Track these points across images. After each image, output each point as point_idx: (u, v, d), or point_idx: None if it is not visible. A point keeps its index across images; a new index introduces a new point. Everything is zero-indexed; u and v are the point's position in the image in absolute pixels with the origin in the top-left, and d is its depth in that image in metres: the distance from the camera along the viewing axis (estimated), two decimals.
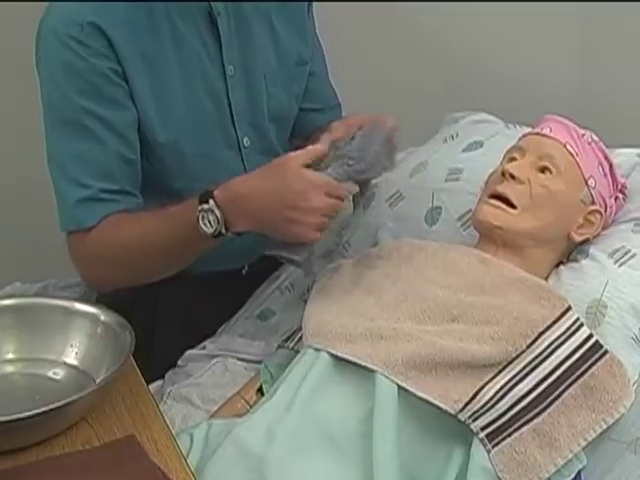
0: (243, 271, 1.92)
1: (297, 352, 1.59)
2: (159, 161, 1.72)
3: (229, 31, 1.73)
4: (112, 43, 1.61)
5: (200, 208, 1.54)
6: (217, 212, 1.53)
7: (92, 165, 1.65)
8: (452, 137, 1.99)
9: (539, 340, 1.46)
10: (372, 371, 1.47)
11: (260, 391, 1.64)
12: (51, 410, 1.29)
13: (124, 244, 1.64)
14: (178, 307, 1.84)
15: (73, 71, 1.61)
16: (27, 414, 1.28)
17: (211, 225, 1.54)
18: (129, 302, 1.70)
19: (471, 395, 1.43)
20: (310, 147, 1.57)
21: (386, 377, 1.45)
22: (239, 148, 1.80)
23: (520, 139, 1.71)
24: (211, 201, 1.53)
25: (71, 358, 1.50)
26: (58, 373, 1.49)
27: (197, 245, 1.61)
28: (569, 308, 1.50)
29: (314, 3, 1.92)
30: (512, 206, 1.60)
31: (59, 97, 1.63)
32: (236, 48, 1.75)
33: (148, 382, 1.55)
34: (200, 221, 1.54)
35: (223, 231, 1.54)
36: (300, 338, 1.61)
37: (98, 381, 1.42)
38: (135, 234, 1.63)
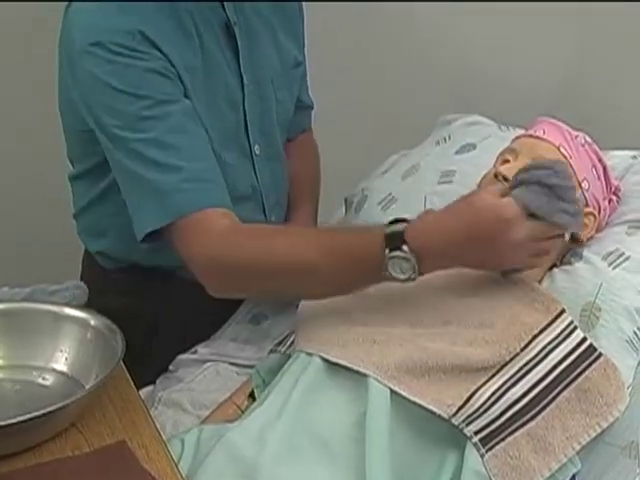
0: None
1: (289, 356, 1.59)
2: None
3: (241, 40, 1.75)
4: (162, 52, 1.59)
5: (391, 256, 1.43)
6: (413, 260, 1.43)
7: (177, 146, 1.56)
8: (445, 139, 1.99)
9: (533, 343, 1.47)
10: (364, 375, 1.47)
11: (252, 396, 1.64)
12: (40, 416, 1.29)
13: (273, 255, 1.53)
14: (171, 312, 1.84)
15: (132, 74, 1.56)
16: (16, 420, 1.28)
17: (404, 272, 1.44)
18: (119, 307, 1.70)
19: (464, 399, 1.43)
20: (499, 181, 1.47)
21: (378, 381, 1.46)
22: (251, 156, 1.81)
23: (513, 141, 1.72)
24: (405, 247, 1.42)
25: (60, 364, 1.50)
26: (47, 379, 1.49)
27: (375, 282, 1.50)
28: (563, 311, 1.51)
29: (306, 4, 1.93)
30: None
31: (125, 101, 1.56)
32: (248, 57, 1.76)
33: (139, 387, 1.55)
34: (390, 268, 1.44)
35: (414, 276, 1.45)
36: (292, 342, 1.62)
37: (88, 387, 1.42)
38: (291, 253, 1.51)
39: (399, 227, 1.44)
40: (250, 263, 1.53)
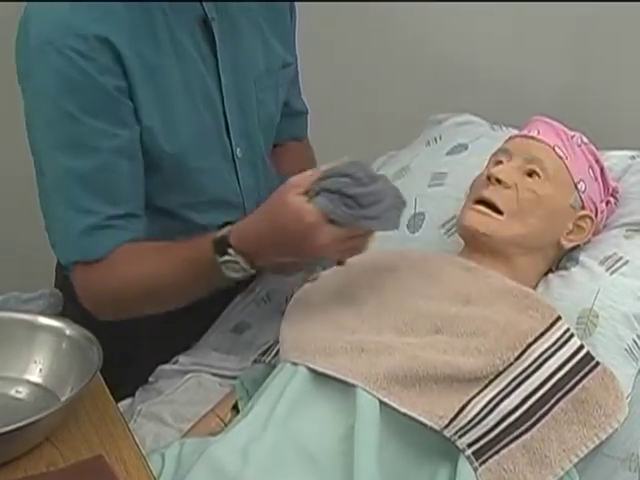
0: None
1: (274, 367, 1.59)
2: (158, 175, 1.71)
3: (222, 37, 1.73)
4: (120, 56, 1.58)
5: (222, 260, 1.55)
6: (241, 261, 1.55)
7: (100, 189, 1.62)
8: (435, 140, 1.99)
9: (527, 352, 1.46)
10: (352, 386, 1.47)
11: (235, 408, 1.64)
12: (13, 430, 1.28)
13: (134, 282, 1.64)
14: (151, 322, 1.83)
15: (78, 89, 1.57)
16: None
17: (237, 271, 1.57)
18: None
19: (457, 410, 1.42)
20: (309, 172, 1.54)
21: (367, 392, 1.45)
22: (233, 159, 1.81)
23: (506, 141, 1.72)
24: (231, 251, 1.55)
25: (35, 375, 1.49)
26: (21, 391, 1.47)
27: (221, 284, 1.64)
28: (559, 318, 1.50)
29: (297, 5, 1.93)
30: (498, 212, 1.61)
31: (59, 113, 1.58)
32: (228, 55, 1.75)
33: (117, 400, 1.54)
34: (225, 270, 1.56)
35: (251, 271, 1.58)
36: (277, 352, 1.61)
37: (63, 399, 1.41)
38: (149, 274, 1.64)
39: (224, 232, 1.56)
40: (117, 293, 1.67)
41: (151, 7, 1.64)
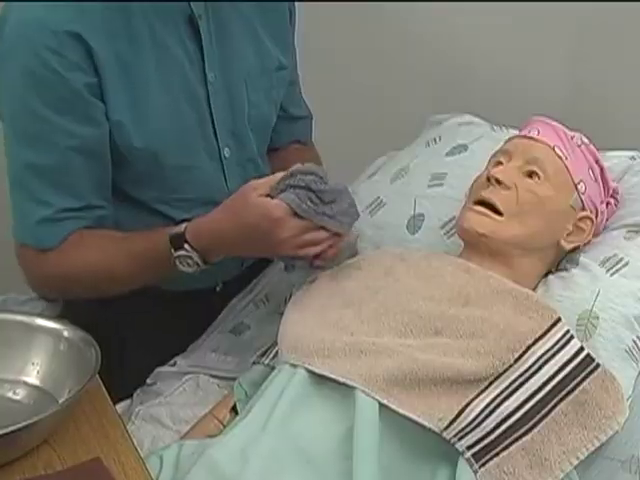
0: (217, 288, 1.92)
1: (273, 368, 1.59)
2: (133, 170, 1.72)
3: (209, 35, 1.73)
4: (91, 52, 1.59)
5: (177, 255, 1.61)
6: (195, 256, 1.61)
7: (58, 183, 1.65)
8: (435, 140, 1.99)
9: (527, 354, 1.46)
10: (352, 388, 1.47)
11: (234, 410, 1.63)
12: (10, 433, 1.28)
13: (85, 268, 1.68)
14: (149, 324, 1.83)
15: (43, 83, 1.59)
16: None
17: (190, 266, 1.62)
18: (95, 317, 1.69)
19: (456, 412, 1.42)
20: (271, 176, 1.61)
21: (366, 394, 1.45)
22: (220, 159, 1.80)
23: (506, 142, 1.72)
24: (187, 246, 1.61)
25: (32, 377, 1.49)
26: (18, 393, 1.47)
27: (170, 276, 1.67)
28: (559, 320, 1.50)
29: (297, 5, 1.92)
30: (498, 213, 1.61)
31: (23, 108, 1.61)
32: (217, 53, 1.75)
33: (115, 402, 1.54)
34: (178, 264, 1.62)
35: (203, 267, 1.63)
36: (276, 354, 1.61)
37: (61, 401, 1.41)
38: (99, 262, 1.68)
39: (181, 228, 1.62)
40: (66, 279, 1.71)
41: (130, 5, 1.63)
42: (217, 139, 1.79)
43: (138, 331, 1.83)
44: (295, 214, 1.55)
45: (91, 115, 1.63)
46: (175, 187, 1.76)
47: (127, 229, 1.72)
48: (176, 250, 1.61)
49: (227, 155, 1.81)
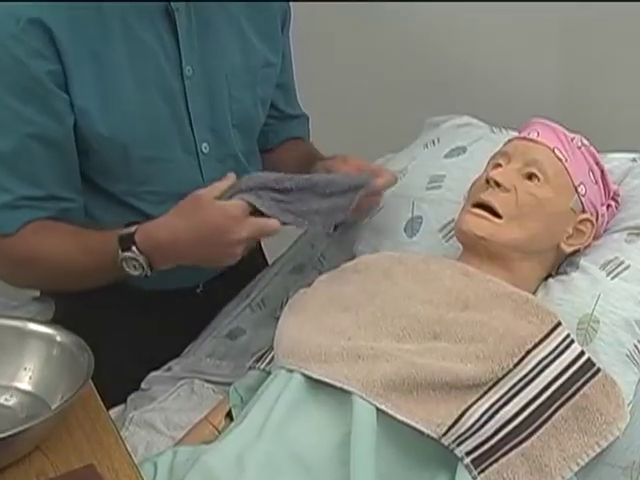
0: (198, 290, 1.92)
1: (269, 373, 1.59)
2: (101, 160, 1.72)
3: (189, 29, 1.72)
4: (54, 39, 1.59)
5: (123, 256, 1.62)
6: (141, 260, 1.62)
7: (16, 170, 1.65)
8: (433, 142, 1.99)
9: (527, 358, 1.45)
10: (349, 393, 1.46)
11: (229, 416, 1.63)
12: (2, 439, 1.27)
13: (42, 257, 1.69)
14: (129, 324, 1.83)
15: (5, 70, 1.59)
16: None
17: (136, 269, 1.64)
18: (86, 322, 1.68)
19: (455, 418, 1.42)
20: (223, 180, 1.63)
21: (364, 399, 1.45)
22: (197, 154, 1.79)
23: (505, 144, 1.71)
24: (134, 248, 1.62)
25: (24, 382, 1.48)
26: (10, 399, 1.47)
27: (120, 277, 1.67)
28: (559, 324, 1.50)
29: (295, 5, 1.92)
30: (497, 215, 1.60)
31: None
32: (196, 47, 1.74)
33: (108, 407, 1.53)
34: (124, 265, 1.63)
35: (149, 273, 1.64)
36: (272, 358, 1.61)
37: (54, 407, 1.40)
38: (54, 253, 1.69)
39: (131, 229, 1.63)
40: (20, 266, 1.74)
41: None
42: (194, 133, 1.78)
43: (132, 335, 1.83)
44: (252, 214, 1.57)
45: (52, 104, 1.63)
46: (144, 179, 1.76)
47: (99, 221, 1.74)
48: (123, 251, 1.62)
49: (205, 150, 1.80)
